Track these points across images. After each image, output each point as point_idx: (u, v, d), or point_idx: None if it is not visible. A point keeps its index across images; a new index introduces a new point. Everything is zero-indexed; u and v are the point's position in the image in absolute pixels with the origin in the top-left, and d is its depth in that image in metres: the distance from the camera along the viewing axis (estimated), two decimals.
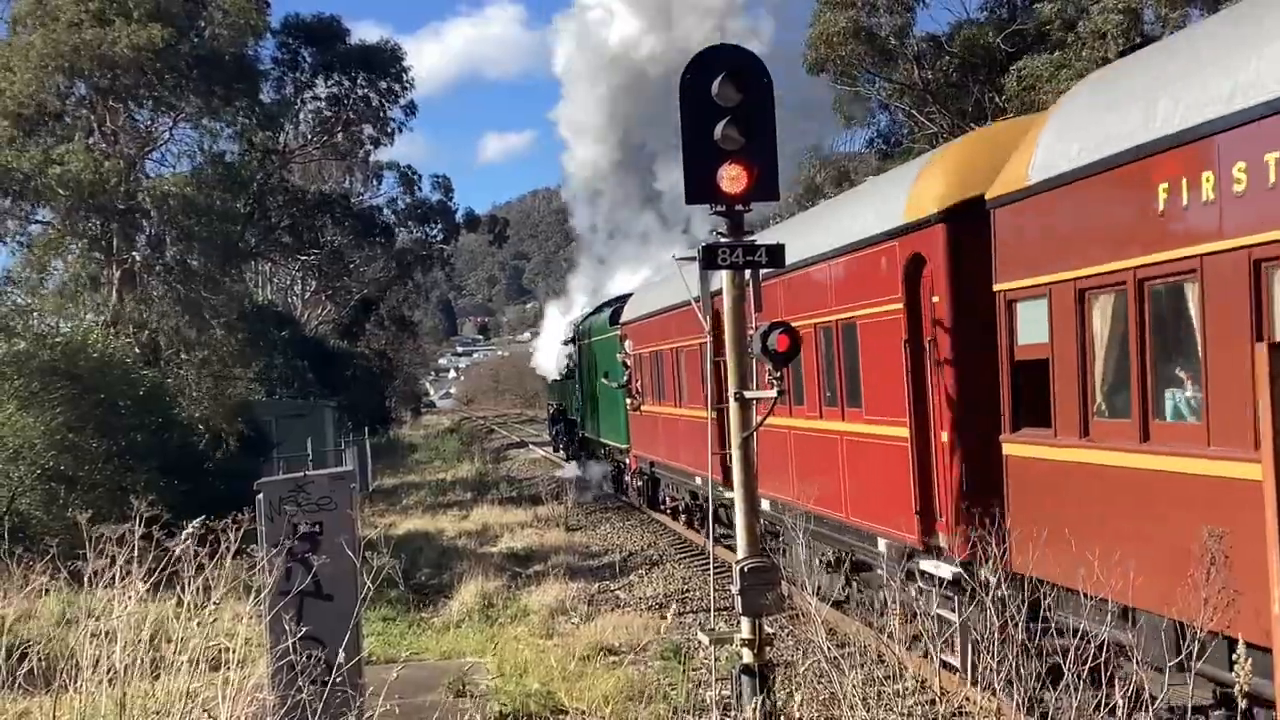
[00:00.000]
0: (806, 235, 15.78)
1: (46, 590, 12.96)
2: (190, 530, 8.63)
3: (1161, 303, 8.79)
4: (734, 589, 10.74)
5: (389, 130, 51.66)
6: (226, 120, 37.54)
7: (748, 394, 11.02)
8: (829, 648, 10.67)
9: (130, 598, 8.56)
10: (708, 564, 17.37)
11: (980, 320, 11.29)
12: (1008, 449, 10.97)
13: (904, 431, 12.68)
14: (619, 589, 21.58)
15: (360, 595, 9.82)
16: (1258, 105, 7.64)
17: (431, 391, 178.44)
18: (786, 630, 15.70)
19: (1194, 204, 8.22)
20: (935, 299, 12.09)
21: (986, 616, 9.55)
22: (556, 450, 54.87)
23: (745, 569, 10.68)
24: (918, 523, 12.34)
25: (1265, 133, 7.55)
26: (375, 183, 63.42)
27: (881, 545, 13.65)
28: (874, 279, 13.35)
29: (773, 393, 10.72)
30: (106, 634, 8.47)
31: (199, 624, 8.55)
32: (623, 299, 34.39)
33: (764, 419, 11.03)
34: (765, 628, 10.78)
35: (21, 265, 35.36)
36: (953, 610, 11.76)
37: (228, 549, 9.03)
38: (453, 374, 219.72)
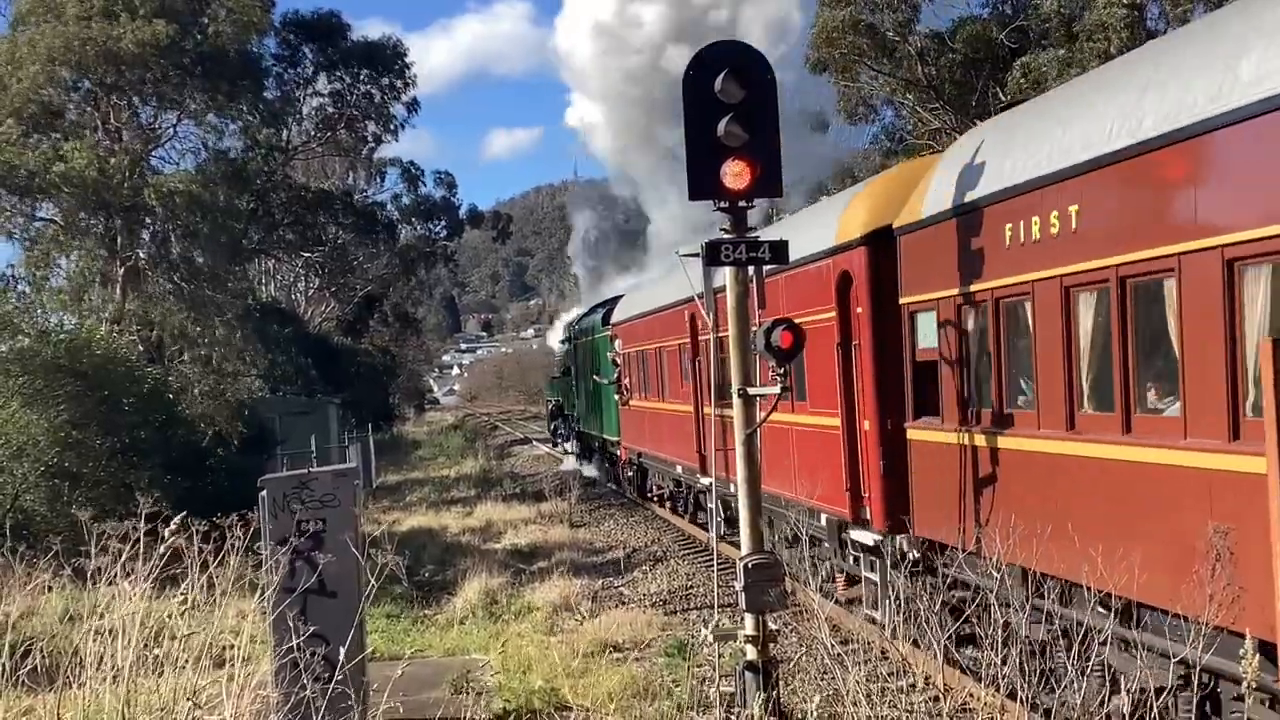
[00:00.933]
0: None
1: (49, 587, 12.98)
2: (174, 527, 8.63)
3: (1013, 317, 11.22)
4: (738, 585, 10.75)
5: (392, 127, 51.76)
6: (230, 117, 37.55)
7: (752, 390, 11.02)
8: (832, 644, 10.67)
9: (135, 595, 8.57)
10: (711, 560, 17.45)
11: (893, 328, 13.54)
12: (910, 434, 13.35)
13: (837, 421, 14.83)
14: (623, 585, 21.58)
15: (364, 592, 9.81)
16: (1063, 168, 10.08)
17: (435, 388, 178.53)
18: (790, 627, 15.70)
19: (1027, 241, 10.67)
20: (859, 310, 14.29)
21: (901, 576, 12.23)
22: (555, 445, 56.62)
23: (749, 565, 10.69)
24: (848, 499, 14.47)
25: (1068, 189, 9.99)
26: (378, 179, 63.52)
27: (823, 520, 15.87)
28: (815, 291, 15.45)
29: (775, 388, 10.73)
30: (110, 631, 8.48)
31: (201, 620, 8.56)
32: (614, 300, 36.18)
33: (768, 415, 11.05)
34: (769, 624, 10.79)
35: (26, 262, 35.36)
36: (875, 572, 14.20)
37: (233, 546, 9.05)
38: (456, 370, 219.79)
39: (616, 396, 32.76)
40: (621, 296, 35.85)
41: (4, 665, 8.83)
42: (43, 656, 9.16)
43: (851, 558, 15.35)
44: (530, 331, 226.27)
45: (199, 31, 35.29)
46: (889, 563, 13.57)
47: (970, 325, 11.89)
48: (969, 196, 11.62)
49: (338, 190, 58.26)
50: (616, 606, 19.14)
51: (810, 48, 36.01)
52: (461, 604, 19.47)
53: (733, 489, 18.28)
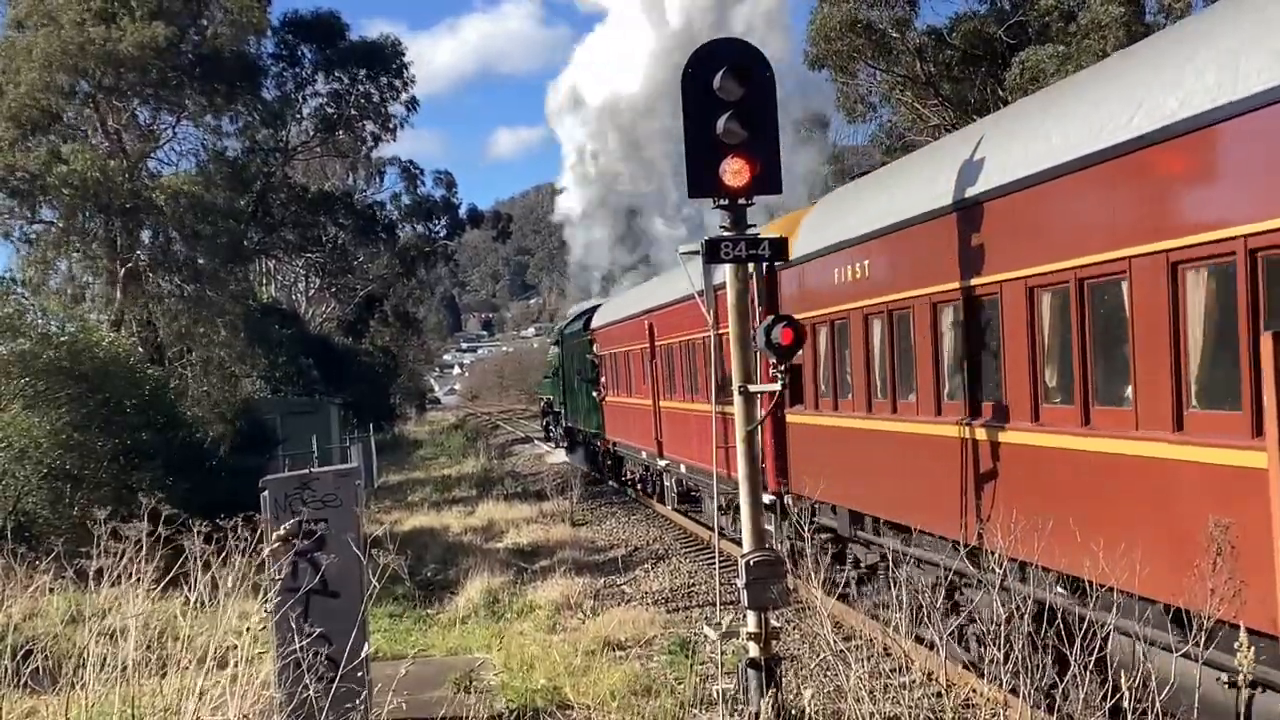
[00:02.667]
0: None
1: (52, 589, 12.98)
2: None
3: (844, 333, 15.25)
4: (740, 583, 10.75)
5: (390, 126, 51.76)
6: (230, 117, 37.60)
7: (752, 387, 11.03)
8: (835, 640, 10.68)
9: (138, 595, 8.58)
10: (713, 558, 17.54)
11: None
12: (788, 418, 17.33)
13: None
14: (625, 584, 21.59)
15: (366, 592, 9.83)
16: (854, 237, 14.64)
17: (436, 388, 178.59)
18: (793, 624, 15.71)
19: (848, 281, 14.90)
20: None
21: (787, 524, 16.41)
22: (548, 440, 60.25)
23: (751, 563, 10.70)
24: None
25: (863, 250, 14.41)
26: (378, 179, 63.57)
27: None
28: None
29: (775, 385, 10.74)
30: (113, 633, 8.48)
31: (206, 622, 8.56)
32: (595, 308, 40.45)
33: (768, 414, 11.07)
34: (771, 621, 10.80)
35: (26, 264, 35.38)
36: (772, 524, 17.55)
37: (237, 547, 9.05)
38: (457, 370, 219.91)
39: (595, 394, 36.69)
40: (599, 304, 40.66)
41: (6, 667, 8.84)
42: (45, 658, 9.16)
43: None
44: (531, 330, 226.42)
45: (197, 33, 35.32)
46: (778, 514, 17.65)
47: (821, 339, 16.12)
48: (813, 248, 16.11)
49: (338, 190, 58.29)
50: (619, 605, 19.15)
51: (808, 44, 35.96)
52: (464, 603, 19.48)
53: (684, 469, 26.02)
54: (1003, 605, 9.39)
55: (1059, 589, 10.22)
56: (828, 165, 51.10)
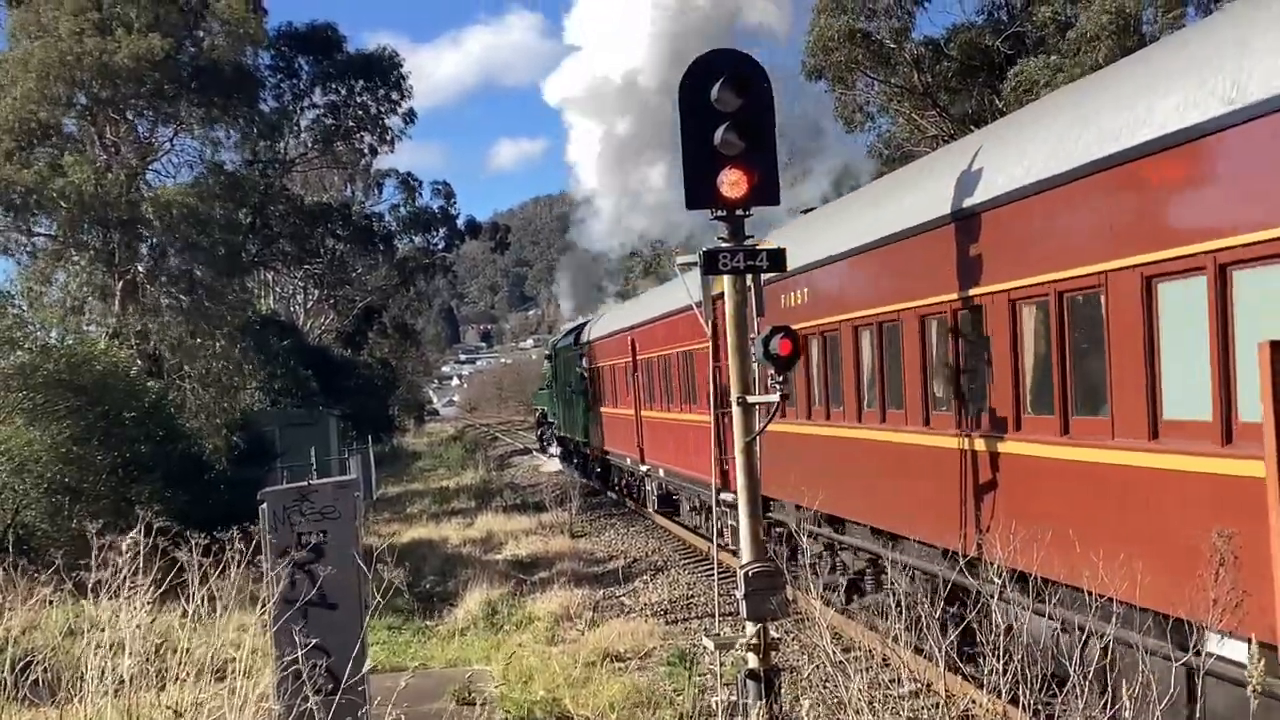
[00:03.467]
0: (668, 294, 25.91)
1: (51, 601, 12.97)
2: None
3: (827, 346, 16.00)
4: (739, 594, 10.74)
5: (388, 138, 51.68)
6: (228, 129, 37.59)
7: (750, 399, 11.03)
8: (834, 652, 10.67)
9: (137, 608, 8.57)
10: (712, 569, 17.54)
11: None
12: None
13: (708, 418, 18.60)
14: (624, 595, 21.58)
15: (365, 604, 9.81)
16: (808, 263, 15.84)
17: (435, 399, 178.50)
18: (792, 635, 15.70)
19: (797, 306, 16.69)
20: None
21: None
22: (543, 450, 63.28)
23: (750, 574, 10.69)
24: (720, 472, 17.26)
25: (827, 271, 15.72)
26: (376, 191, 63.55)
27: (711, 489, 19.58)
28: (697, 330, 18.64)
29: (775, 396, 10.74)
30: (112, 645, 8.47)
31: (203, 635, 8.55)
32: (584, 325, 42.87)
33: (767, 424, 11.07)
34: (770, 632, 10.78)
35: (24, 277, 35.33)
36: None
37: (234, 559, 9.04)
38: (456, 381, 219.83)
39: (585, 404, 39.65)
40: (586, 322, 42.98)
41: (6, 679, 8.83)
42: (44, 670, 9.14)
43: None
44: (529, 342, 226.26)
45: (194, 44, 35.32)
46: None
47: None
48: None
49: (335, 202, 58.26)
50: (617, 616, 19.14)
51: (806, 55, 36.01)
52: (463, 615, 19.47)
53: (663, 473, 28.62)
54: (1002, 616, 9.42)
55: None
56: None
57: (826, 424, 16.03)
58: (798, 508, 16.73)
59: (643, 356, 29.00)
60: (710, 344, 17.88)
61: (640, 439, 30.00)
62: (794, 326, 14.61)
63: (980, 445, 11.42)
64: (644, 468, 30.11)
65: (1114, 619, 8.66)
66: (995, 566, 9.55)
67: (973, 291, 11.38)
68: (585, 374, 39.23)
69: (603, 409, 36.26)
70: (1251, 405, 7.36)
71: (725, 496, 16.96)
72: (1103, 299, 9.26)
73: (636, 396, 29.84)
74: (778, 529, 17.34)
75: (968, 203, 11.47)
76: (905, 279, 13.18)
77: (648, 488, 31.21)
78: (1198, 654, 7.80)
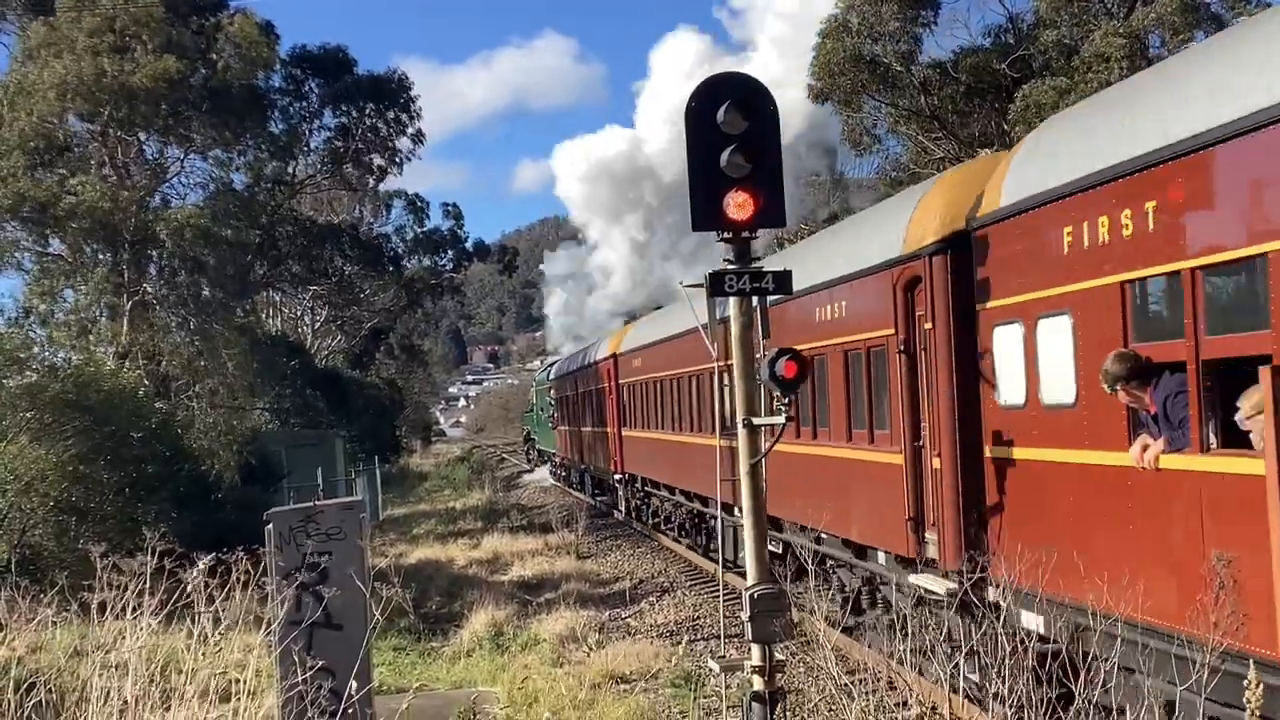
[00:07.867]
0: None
1: (55, 622, 12.97)
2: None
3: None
4: (744, 615, 10.72)
5: (398, 160, 51.83)
6: (238, 150, 37.76)
7: (756, 420, 11.02)
8: (839, 674, 10.63)
9: (142, 629, 8.57)
10: (718, 591, 17.48)
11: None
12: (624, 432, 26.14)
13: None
14: (630, 616, 21.53)
15: (370, 625, 9.81)
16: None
17: (442, 420, 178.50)
18: (797, 657, 15.65)
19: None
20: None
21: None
22: (528, 462, 74.83)
23: (755, 595, 10.67)
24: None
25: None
26: (385, 212, 63.67)
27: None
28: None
29: (780, 419, 10.73)
30: (117, 666, 8.47)
31: (207, 654, 8.55)
32: (554, 362, 57.21)
33: (772, 445, 11.06)
34: (776, 654, 10.76)
35: (29, 294, 35.41)
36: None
37: (239, 580, 9.05)
38: (463, 403, 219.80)
39: (550, 423, 54.32)
40: (560, 358, 57.13)
41: (10, 700, 8.83)
42: (49, 691, 9.14)
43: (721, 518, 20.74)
44: (537, 363, 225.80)
45: (206, 66, 35.51)
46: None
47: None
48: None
49: (344, 223, 58.41)
50: (624, 637, 19.09)
51: (812, 78, 36.02)
52: (468, 636, 19.43)
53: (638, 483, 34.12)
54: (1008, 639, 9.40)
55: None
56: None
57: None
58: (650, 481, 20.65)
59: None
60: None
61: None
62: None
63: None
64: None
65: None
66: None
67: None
68: (552, 400, 52.97)
69: (564, 427, 50.03)
70: None
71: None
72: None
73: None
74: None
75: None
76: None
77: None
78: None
